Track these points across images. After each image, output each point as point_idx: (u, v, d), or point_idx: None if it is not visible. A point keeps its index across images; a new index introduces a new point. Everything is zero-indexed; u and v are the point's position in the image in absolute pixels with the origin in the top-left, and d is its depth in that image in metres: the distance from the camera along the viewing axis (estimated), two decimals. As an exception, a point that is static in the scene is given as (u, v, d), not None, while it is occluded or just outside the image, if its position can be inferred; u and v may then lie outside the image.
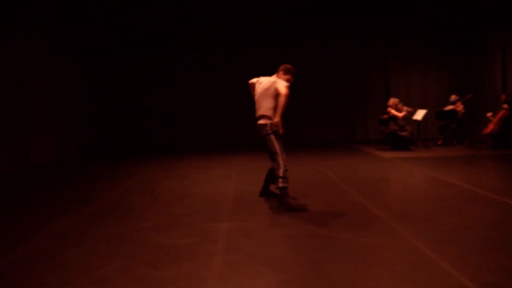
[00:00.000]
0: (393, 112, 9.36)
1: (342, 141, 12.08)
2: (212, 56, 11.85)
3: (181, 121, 12.05)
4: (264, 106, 4.38)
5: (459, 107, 10.54)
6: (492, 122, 9.62)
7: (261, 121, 4.42)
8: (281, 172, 4.26)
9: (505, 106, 9.53)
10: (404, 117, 9.47)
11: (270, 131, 4.32)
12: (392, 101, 9.51)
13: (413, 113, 9.97)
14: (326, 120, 12.24)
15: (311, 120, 12.23)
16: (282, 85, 4.29)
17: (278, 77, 4.50)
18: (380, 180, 6.06)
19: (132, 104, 11.74)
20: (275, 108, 4.32)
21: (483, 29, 11.47)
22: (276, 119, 4.27)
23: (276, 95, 4.30)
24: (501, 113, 9.50)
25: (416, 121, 10.03)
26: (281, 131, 4.36)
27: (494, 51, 11.07)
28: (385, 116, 9.55)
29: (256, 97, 4.55)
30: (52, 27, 8.72)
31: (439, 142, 10.46)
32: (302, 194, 4.99)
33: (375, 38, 12.16)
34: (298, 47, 11.90)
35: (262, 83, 4.49)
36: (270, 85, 4.38)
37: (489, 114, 9.82)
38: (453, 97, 10.64)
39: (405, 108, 9.66)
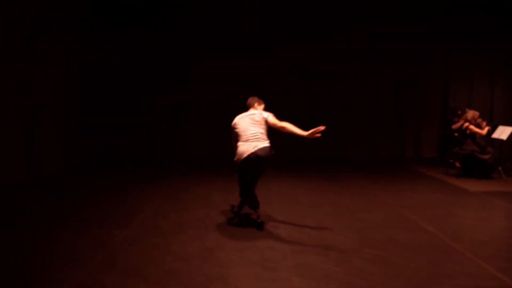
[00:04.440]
0: (474, 129, 7.32)
1: (390, 159, 10.02)
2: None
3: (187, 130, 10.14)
4: (261, 132, 4.35)
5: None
6: None
7: (266, 144, 4.30)
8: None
9: None
10: (486, 135, 7.46)
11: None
12: (472, 114, 7.47)
13: (493, 130, 7.90)
14: (370, 134, 10.15)
15: (352, 134, 10.14)
16: (268, 114, 4.43)
17: (256, 108, 4.61)
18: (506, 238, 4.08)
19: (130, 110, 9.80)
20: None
21: None
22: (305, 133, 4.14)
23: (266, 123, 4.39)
24: None
25: (498, 141, 7.90)
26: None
27: None
28: (456, 133, 7.54)
29: (243, 128, 4.36)
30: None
31: (514, 166, 8.44)
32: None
33: (434, 46, 10.02)
34: (341, 54, 9.87)
35: (244, 117, 4.44)
36: (257, 115, 4.42)
37: None
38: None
39: (485, 123, 7.65)
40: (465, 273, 3.24)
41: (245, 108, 4.61)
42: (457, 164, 8.06)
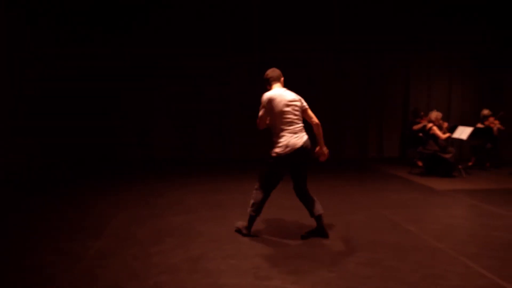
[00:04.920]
0: (436, 131, 7.57)
1: (354, 159, 10.18)
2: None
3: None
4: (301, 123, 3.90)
5: (494, 123, 8.98)
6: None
7: (307, 141, 3.82)
8: None
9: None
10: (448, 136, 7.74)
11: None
12: (435, 115, 7.73)
13: (452, 131, 8.23)
14: (334, 134, 10.24)
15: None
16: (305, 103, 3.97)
17: (282, 86, 4.01)
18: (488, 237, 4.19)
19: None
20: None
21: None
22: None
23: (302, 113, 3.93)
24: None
25: (458, 140, 8.23)
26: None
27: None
28: (421, 133, 7.80)
29: (284, 115, 3.79)
30: None
31: (470, 164, 8.87)
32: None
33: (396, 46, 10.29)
34: (305, 55, 9.85)
35: (282, 100, 3.80)
36: (298, 102, 3.90)
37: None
38: (486, 112, 9.00)
39: (446, 124, 7.95)
40: (456, 273, 3.26)
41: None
42: (419, 163, 8.35)
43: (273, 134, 3.86)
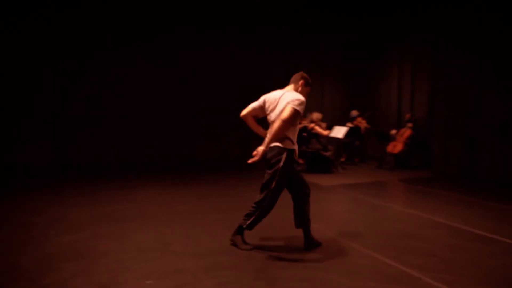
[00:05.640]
0: (319, 130, 8.13)
1: (238, 158, 10.30)
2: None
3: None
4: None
5: (362, 123, 10.09)
6: (400, 141, 9.38)
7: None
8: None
9: (410, 125, 9.42)
10: (328, 135, 8.38)
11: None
12: (316, 116, 8.28)
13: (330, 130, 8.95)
14: (219, 135, 10.22)
15: (204, 135, 10.03)
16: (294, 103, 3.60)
17: (297, 89, 3.80)
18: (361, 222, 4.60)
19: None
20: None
21: (381, 46, 11.31)
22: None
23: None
24: (408, 133, 9.33)
25: (335, 139, 8.96)
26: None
27: (391, 69, 11.04)
28: (305, 133, 8.28)
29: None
30: None
31: (342, 160, 9.79)
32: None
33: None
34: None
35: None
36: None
37: (393, 132, 9.59)
38: (354, 113, 10.11)
39: (325, 125, 8.60)
40: (366, 265, 3.47)
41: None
42: (300, 161, 8.89)
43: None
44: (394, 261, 3.59)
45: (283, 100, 3.68)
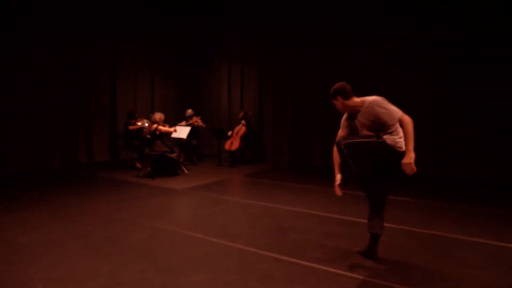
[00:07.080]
0: (164, 129, 7.62)
1: (63, 167, 8.82)
2: None
3: None
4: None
5: (197, 122, 10.01)
6: (235, 138, 9.69)
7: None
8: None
9: (243, 122, 9.84)
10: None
11: None
12: (159, 116, 7.74)
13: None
14: (37, 142, 8.50)
15: (16, 143, 8.15)
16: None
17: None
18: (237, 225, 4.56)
19: None
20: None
21: (211, 43, 11.38)
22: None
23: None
24: (242, 130, 9.72)
25: (180, 140, 8.56)
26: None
27: (221, 66, 11.25)
28: (148, 135, 7.67)
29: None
30: None
31: (181, 160, 9.54)
32: None
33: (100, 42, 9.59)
34: None
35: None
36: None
37: (230, 133, 9.83)
38: (189, 112, 9.96)
39: (167, 126, 8.14)
40: (263, 268, 3.38)
41: None
42: (138, 165, 8.29)
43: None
44: (296, 258, 3.59)
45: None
